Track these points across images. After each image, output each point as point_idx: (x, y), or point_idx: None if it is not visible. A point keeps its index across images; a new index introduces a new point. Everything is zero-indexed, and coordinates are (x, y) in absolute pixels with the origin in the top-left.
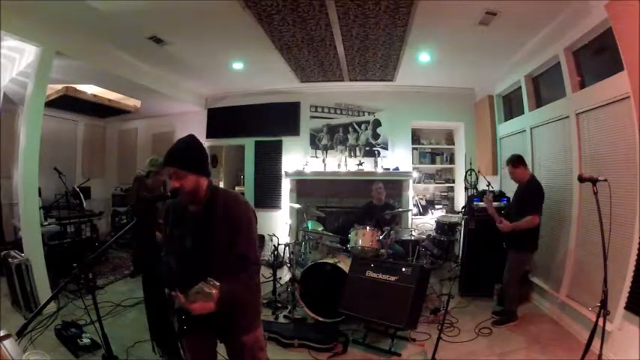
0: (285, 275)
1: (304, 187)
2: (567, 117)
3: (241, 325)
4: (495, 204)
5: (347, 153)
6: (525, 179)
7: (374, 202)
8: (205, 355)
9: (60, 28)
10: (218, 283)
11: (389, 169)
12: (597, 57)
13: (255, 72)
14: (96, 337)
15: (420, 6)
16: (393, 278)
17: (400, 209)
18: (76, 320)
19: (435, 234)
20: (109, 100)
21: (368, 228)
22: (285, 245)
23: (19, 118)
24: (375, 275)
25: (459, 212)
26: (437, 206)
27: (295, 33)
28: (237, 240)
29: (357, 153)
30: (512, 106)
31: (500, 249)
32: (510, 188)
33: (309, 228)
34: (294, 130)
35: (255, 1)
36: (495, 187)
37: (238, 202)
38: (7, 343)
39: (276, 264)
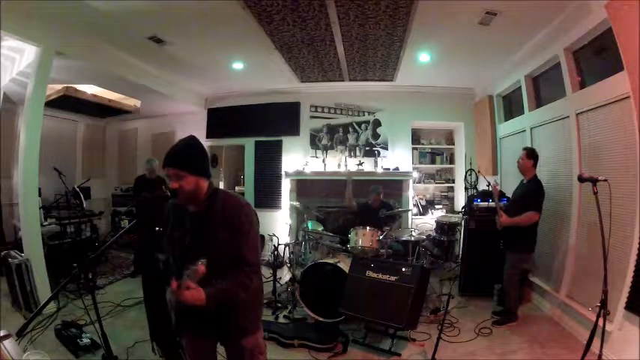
0: (285, 275)
1: (304, 187)
2: (567, 117)
3: (241, 328)
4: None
5: (347, 153)
6: (529, 175)
7: (369, 203)
8: (205, 356)
9: (60, 28)
10: (205, 260)
11: (389, 169)
12: (597, 57)
13: (255, 72)
14: (96, 337)
15: (420, 6)
16: (393, 278)
17: (400, 209)
18: (76, 320)
19: (435, 234)
20: (109, 100)
21: (368, 228)
22: (285, 245)
23: (19, 118)
24: (375, 275)
25: (459, 212)
26: (437, 206)
27: (295, 33)
28: (236, 241)
29: (357, 153)
30: (512, 106)
31: (500, 249)
32: (510, 189)
33: (309, 228)
34: (294, 130)
35: (255, 1)
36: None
37: (239, 203)
38: (7, 343)
39: (276, 264)
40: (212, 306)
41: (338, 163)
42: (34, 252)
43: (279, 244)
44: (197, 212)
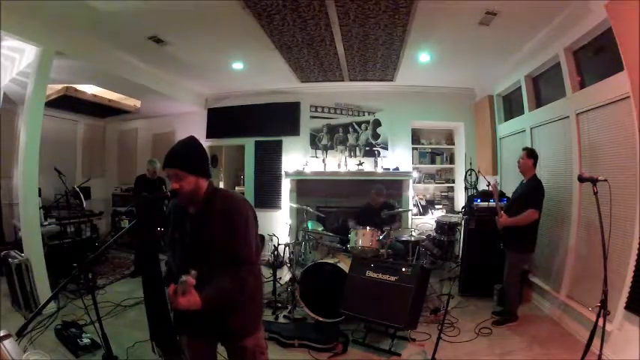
0: (285, 275)
1: (304, 187)
2: (567, 117)
3: (241, 328)
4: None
5: (347, 153)
6: (529, 174)
7: (371, 204)
8: (205, 357)
9: (60, 28)
10: (194, 272)
11: (389, 169)
12: (597, 57)
13: (255, 72)
14: (96, 337)
15: (420, 6)
16: (393, 278)
17: (400, 209)
18: (76, 320)
19: (435, 234)
20: (109, 100)
21: (368, 228)
22: (285, 245)
23: (19, 118)
24: (375, 275)
25: (459, 212)
26: (437, 206)
27: (295, 33)
28: (232, 238)
29: (357, 153)
30: (512, 106)
31: (500, 249)
32: (510, 189)
33: (309, 228)
34: (294, 130)
35: (255, 1)
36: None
37: (237, 202)
38: (7, 343)
39: (276, 264)
40: (208, 309)
41: (338, 163)
42: (34, 252)
43: (279, 244)
44: (197, 212)
